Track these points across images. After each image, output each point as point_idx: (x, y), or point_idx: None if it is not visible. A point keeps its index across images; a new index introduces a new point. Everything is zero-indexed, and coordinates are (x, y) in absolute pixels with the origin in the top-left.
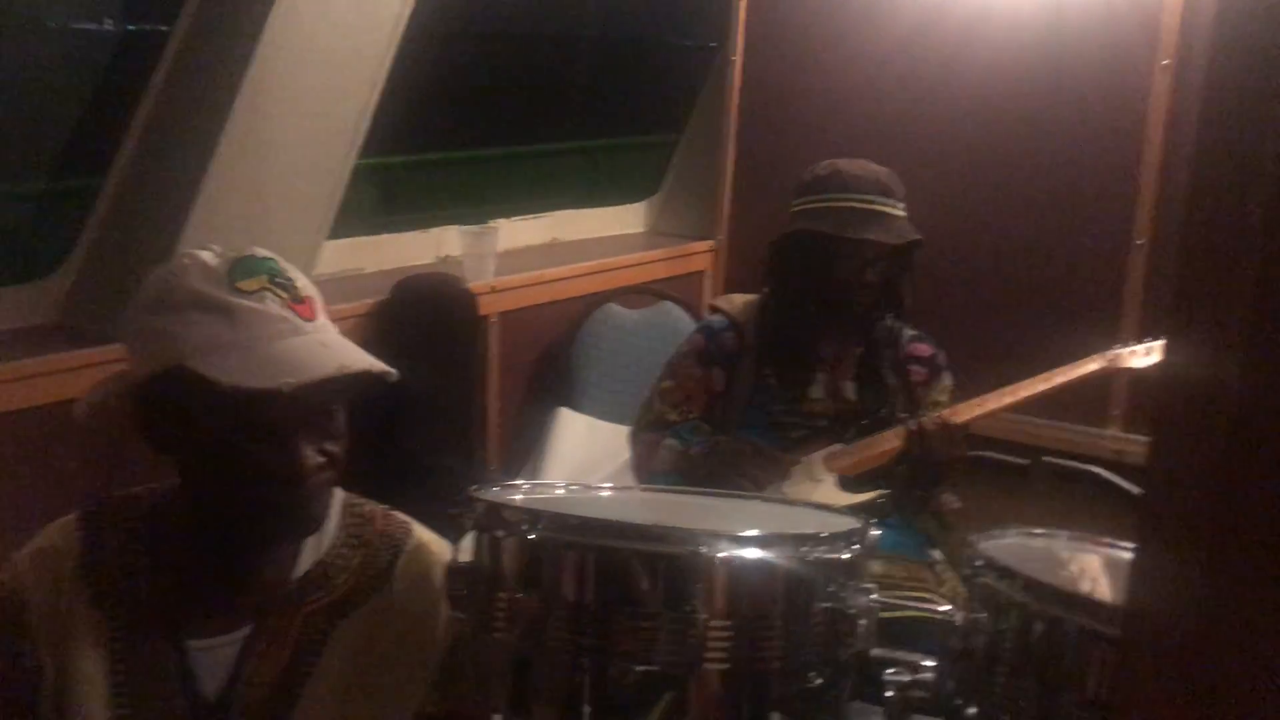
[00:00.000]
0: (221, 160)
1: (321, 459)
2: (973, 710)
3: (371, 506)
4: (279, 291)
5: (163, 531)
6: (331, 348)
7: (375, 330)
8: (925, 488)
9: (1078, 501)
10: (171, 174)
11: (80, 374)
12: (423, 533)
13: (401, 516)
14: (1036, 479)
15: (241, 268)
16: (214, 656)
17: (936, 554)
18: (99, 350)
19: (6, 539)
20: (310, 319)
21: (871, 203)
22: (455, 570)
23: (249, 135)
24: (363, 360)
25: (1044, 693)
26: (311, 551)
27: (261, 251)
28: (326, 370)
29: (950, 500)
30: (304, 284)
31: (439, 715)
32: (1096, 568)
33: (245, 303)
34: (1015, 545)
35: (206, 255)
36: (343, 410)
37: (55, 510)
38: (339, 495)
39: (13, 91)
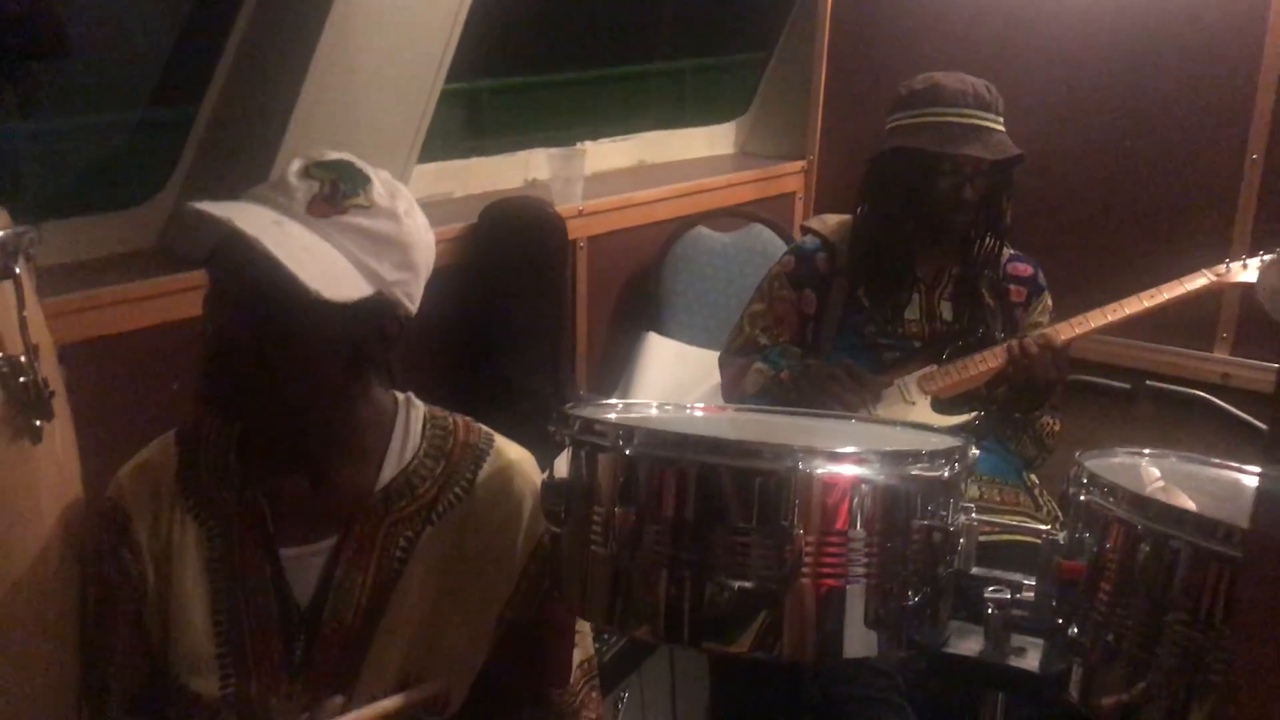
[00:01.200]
0: (312, 85)
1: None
2: (1074, 630)
3: (455, 418)
4: (314, 179)
5: (252, 446)
6: (278, 232)
7: (464, 255)
8: (1024, 410)
9: (1183, 427)
10: (263, 100)
11: (180, 298)
12: (504, 443)
13: (484, 428)
14: (1140, 404)
15: (317, 162)
16: (304, 565)
17: (1034, 478)
18: (197, 274)
19: (112, 459)
20: (318, 214)
21: (970, 117)
22: (551, 486)
23: (338, 61)
24: (276, 250)
25: (1151, 613)
26: (395, 462)
27: (356, 162)
28: (222, 228)
29: (1050, 422)
30: (355, 198)
31: (520, 621)
32: (1207, 488)
33: (282, 178)
34: (1121, 464)
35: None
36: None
37: (155, 431)
38: (420, 409)
39: (107, 21)
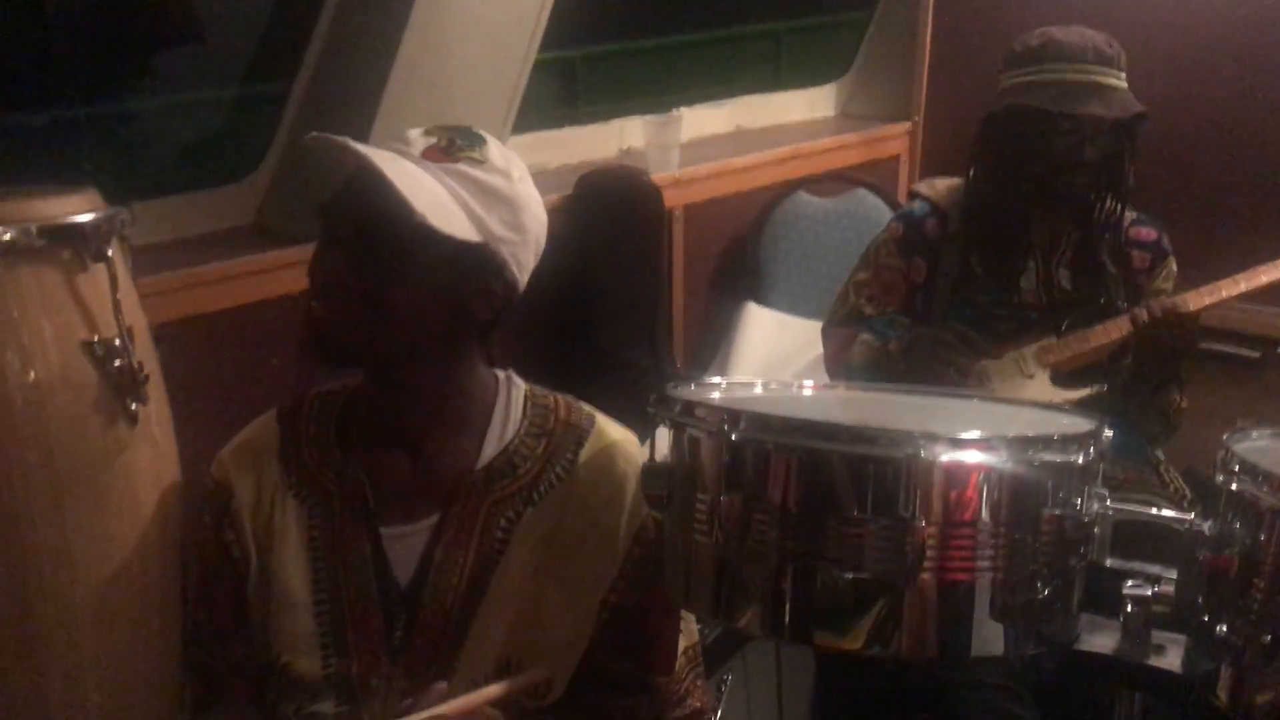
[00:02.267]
0: (405, 59)
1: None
2: (1224, 628)
3: (556, 397)
4: (435, 136)
5: (353, 424)
6: (394, 164)
7: (559, 227)
8: (1150, 384)
9: None
10: (357, 75)
11: (277, 275)
12: (606, 423)
13: (585, 407)
14: (1270, 373)
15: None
16: (405, 544)
17: (1159, 454)
18: (295, 250)
19: (211, 439)
20: (432, 159)
21: (1090, 73)
22: (652, 470)
23: (431, 32)
24: (394, 178)
25: None
26: (495, 441)
27: (474, 129)
28: (341, 153)
29: (1177, 399)
30: (470, 151)
31: (625, 606)
32: None
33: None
34: (1271, 446)
35: None
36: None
37: (257, 409)
38: (521, 387)
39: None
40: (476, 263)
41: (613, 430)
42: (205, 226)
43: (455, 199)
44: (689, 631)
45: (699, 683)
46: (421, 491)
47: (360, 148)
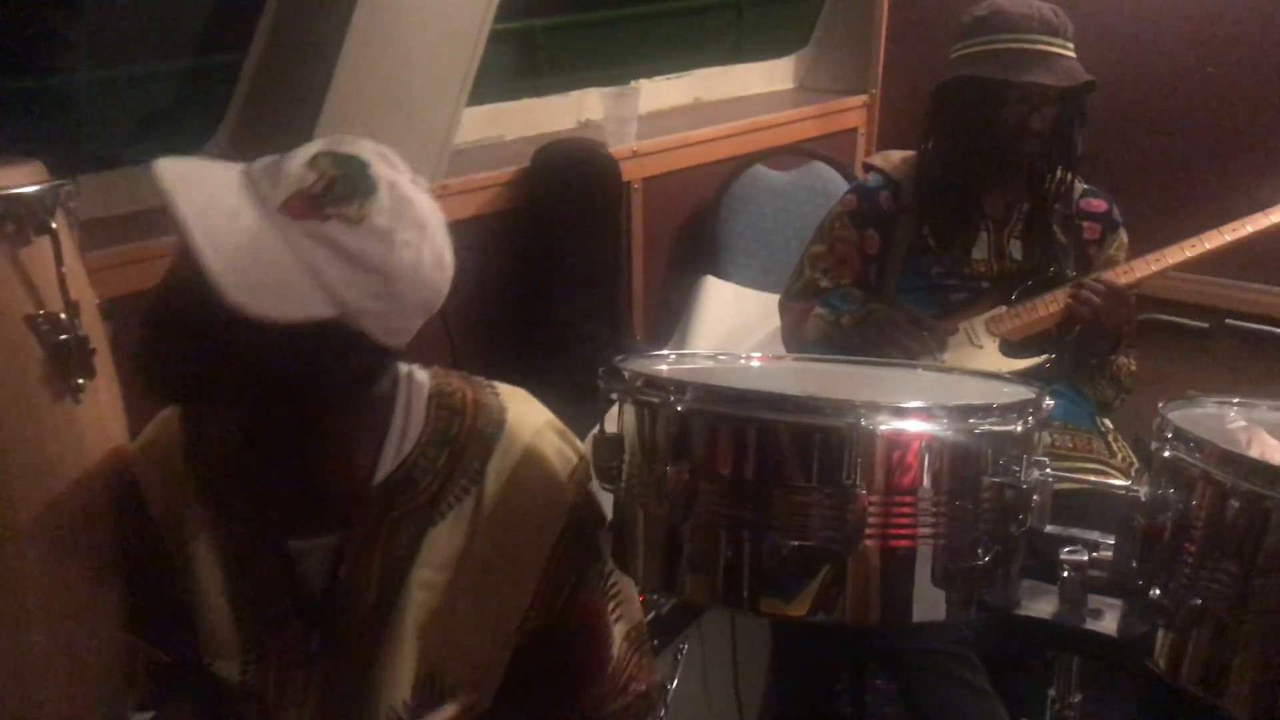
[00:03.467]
0: (358, 28)
1: None
2: (1157, 592)
3: (464, 395)
4: (315, 170)
5: (253, 436)
6: (227, 225)
7: (516, 200)
8: (1098, 355)
9: (1265, 368)
10: (310, 45)
11: None
12: (518, 423)
13: (499, 404)
14: (1218, 343)
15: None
16: (313, 557)
17: (1107, 422)
18: None
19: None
20: (293, 214)
21: (1037, 42)
22: (601, 441)
23: (385, 3)
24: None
25: (1240, 576)
26: (393, 453)
27: (374, 166)
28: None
29: (1127, 362)
30: (344, 205)
31: (543, 627)
32: None
33: (284, 160)
34: (1207, 415)
35: None
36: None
37: None
38: (424, 387)
39: None
40: (324, 338)
41: (525, 433)
42: (157, 200)
43: (303, 268)
44: (630, 614)
45: (644, 662)
46: (320, 509)
47: (185, 206)
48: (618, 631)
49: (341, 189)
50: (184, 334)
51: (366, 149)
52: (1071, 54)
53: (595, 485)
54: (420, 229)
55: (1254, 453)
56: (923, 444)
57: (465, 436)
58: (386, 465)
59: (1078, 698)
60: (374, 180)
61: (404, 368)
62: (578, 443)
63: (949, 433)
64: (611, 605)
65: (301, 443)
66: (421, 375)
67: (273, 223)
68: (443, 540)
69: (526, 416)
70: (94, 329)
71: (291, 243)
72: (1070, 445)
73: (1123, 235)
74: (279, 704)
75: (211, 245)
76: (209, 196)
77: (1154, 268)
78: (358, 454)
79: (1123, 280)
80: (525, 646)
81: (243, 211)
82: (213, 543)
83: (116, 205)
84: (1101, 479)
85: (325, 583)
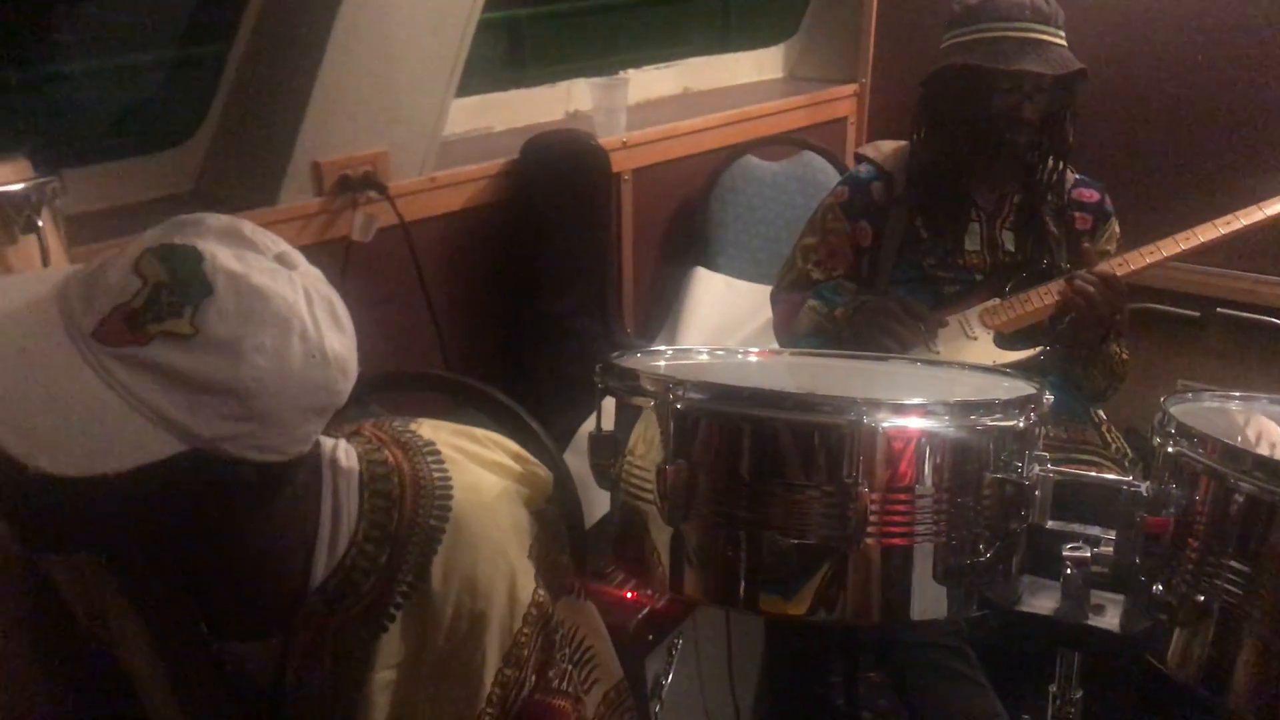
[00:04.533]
0: (345, 19)
1: None
2: (1159, 588)
3: (400, 474)
4: (142, 276)
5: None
6: (16, 368)
7: (505, 192)
8: (1090, 345)
9: (1256, 356)
10: (296, 36)
11: None
12: (466, 509)
13: (440, 486)
14: (1210, 332)
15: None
16: (253, 661)
17: (1101, 413)
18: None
19: None
20: (107, 341)
21: (1028, 30)
22: (598, 440)
23: None
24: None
25: (1245, 571)
26: (325, 558)
27: (210, 261)
28: None
29: (1119, 351)
30: (172, 321)
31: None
32: None
33: (107, 267)
34: (1208, 409)
35: None
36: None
37: None
38: (353, 475)
39: None
40: (187, 476)
41: (477, 523)
42: (143, 194)
43: (128, 405)
44: (607, 675)
45: (627, 718)
46: (257, 615)
47: None
48: (593, 697)
49: (168, 298)
50: (18, 501)
51: (210, 231)
52: (1063, 42)
53: (586, 497)
54: (280, 326)
55: (1251, 434)
56: (924, 441)
57: (406, 531)
58: (320, 572)
59: (1080, 694)
60: (209, 278)
61: (327, 447)
62: (542, 479)
63: (950, 429)
64: (584, 674)
65: (216, 565)
66: (348, 458)
67: (83, 355)
68: (395, 641)
69: (475, 494)
70: None
71: (107, 376)
72: (1065, 436)
73: (1115, 226)
74: None
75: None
76: (8, 332)
77: (1148, 260)
78: (285, 564)
79: (1118, 272)
80: None
81: (41, 347)
82: (145, 642)
83: (103, 199)
84: (1099, 471)
85: (270, 686)
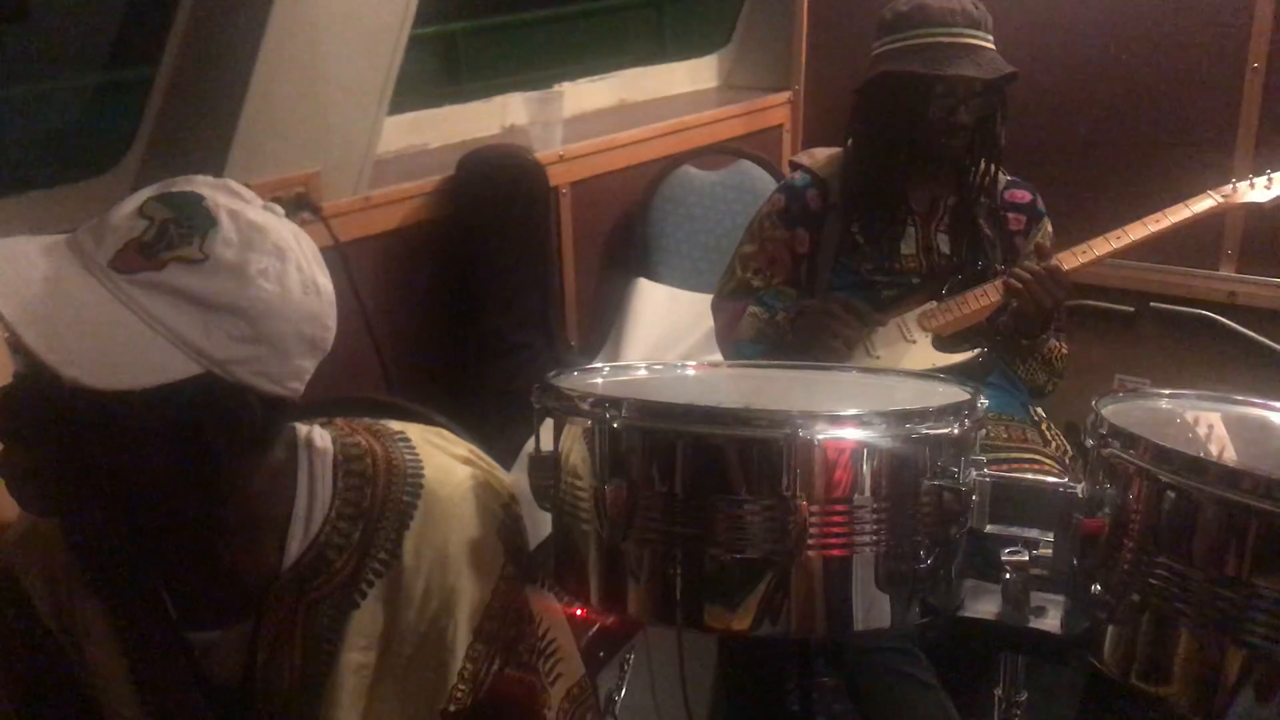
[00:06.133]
0: (273, 37)
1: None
2: (1098, 588)
3: (373, 456)
4: (147, 218)
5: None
6: (44, 295)
7: (442, 209)
8: (1028, 337)
9: (1188, 349)
10: (223, 57)
11: None
12: (436, 486)
13: (410, 466)
14: (1144, 326)
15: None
16: (222, 650)
17: (1040, 411)
18: None
19: None
20: (124, 268)
21: (961, 35)
22: (537, 460)
23: (300, 11)
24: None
25: (1178, 569)
26: (300, 535)
27: (210, 199)
28: None
29: (1058, 345)
30: (182, 248)
31: (467, 708)
32: (1234, 429)
33: (111, 214)
34: (1139, 408)
35: None
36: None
37: None
38: (328, 454)
39: None
40: (200, 401)
41: (447, 500)
42: (70, 222)
43: (148, 325)
44: (570, 671)
45: (589, 718)
46: (228, 598)
47: None
48: (556, 691)
49: (176, 230)
50: (40, 436)
51: (202, 183)
52: (993, 46)
53: (530, 516)
54: (279, 255)
55: (1201, 431)
56: (860, 451)
57: (379, 508)
58: (295, 548)
59: (1024, 696)
60: (212, 213)
61: (302, 431)
62: (505, 481)
63: (886, 439)
64: (548, 666)
65: (197, 535)
66: (322, 439)
67: (102, 283)
68: (366, 619)
69: (445, 475)
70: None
71: (128, 300)
72: (1005, 436)
73: (1047, 225)
74: None
75: (28, 321)
76: (17, 271)
77: (1081, 259)
78: (261, 539)
79: (1064, 267)
80: None
81: (64, 277)
82: (112, 640)
83: (30, 228)
84: (1038, 472)
85: (238, 675)
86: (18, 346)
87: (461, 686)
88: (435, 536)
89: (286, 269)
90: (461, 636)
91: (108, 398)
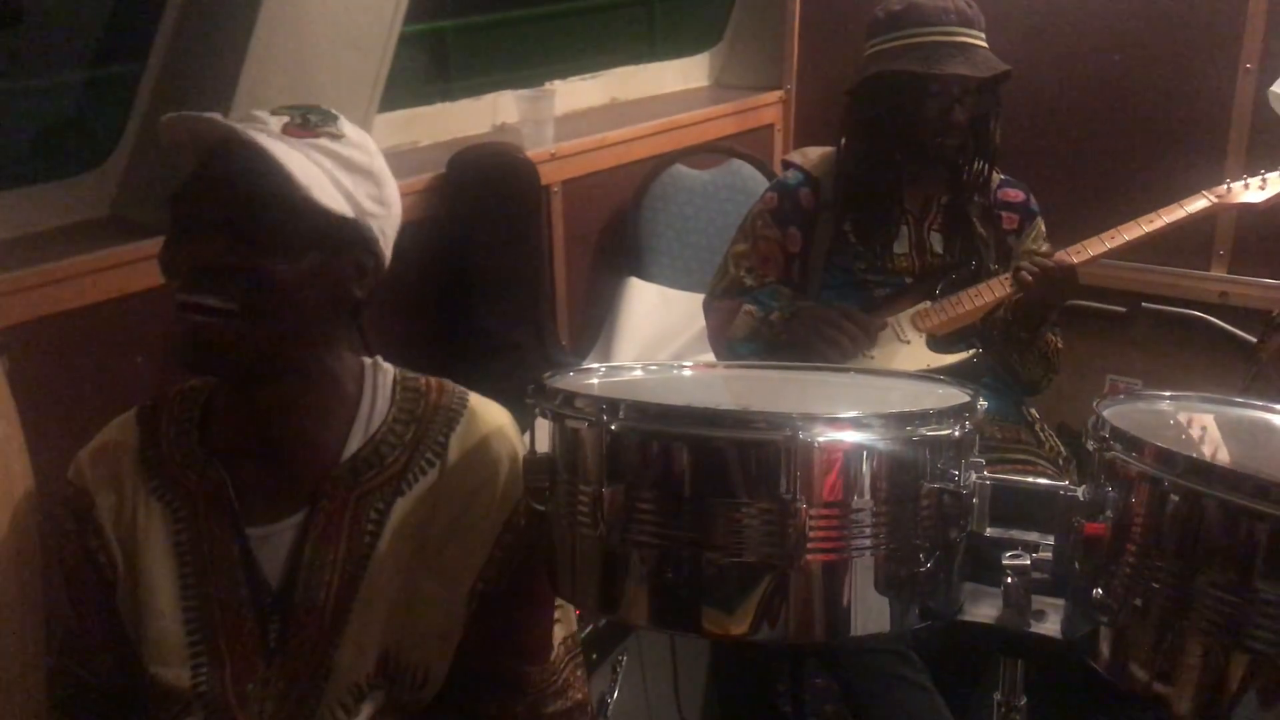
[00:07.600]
0: (261, 34)
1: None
2: (1099, 592)
3: (428, 380)
4: (288, 115)
5: (215, 421)
6: (264, 139)
7: (433, 207)
8: (1026, 331)
9: (1181, 348)
10: (211, 53)
11: (135, 268)
12: (480, 404)
13: (458, 389)
14: (1136, 326)
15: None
16: (273, 543)
17: (1034, 411)
18: (155, 242)
19: (73, 441)
20: (293, 135)
21: (954, 34)
22: (533, 462)
23: (289, 7)
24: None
25: (1180, 574)
26: (361, 432)
27: (326, 108)
28: (215, 129)
29: (1053, 339)
30: (328, 127)
31: (493, 593)
32: (1235, 431)
33: (250, 114)
34: (1140, 410)
35: None
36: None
37: (117, 409)
38: (389, 372)
39: None
40: (350, 238)
41: (487, 412)
42: (57, 220)
43: (322, 171)
44: (567, 621)
45: (579, 673)
46: (286, 488)
47: (232, 123)
48: (557, 633)
49: (315, 117)
50: (249, 248)
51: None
52: (985, 44)
53: None
54: (376, 146)
55: (1194, 432)
56: (860, 454)
57: (430, 413)
58: (355, 442)
59: (1023, 701)
60: (331, 111)
61: (369, 359)
62: None
63: (885, 441)
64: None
65: (277, 416)
66: (387, 365)
67: (286, 141)
68: (409, 512)
69: (487, 403)
70: None
71: (307, 154)
72: (999, 437)
73: (1040, 224)
74: (238, 704)
75: (276, 151)
76: (239, 125)
77: (1075, 259)
78: (326, 432)
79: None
80: (475, 615)
81: (261, 136)
82: (167, 544)
83: (17, 226)
84: (1032, 473)
85: (286, 570)
86: (252, 170)
87: (489, 574)
88: (475, 437)
89: (381, 156)
90: (495, 524)
91: (305, 213)
